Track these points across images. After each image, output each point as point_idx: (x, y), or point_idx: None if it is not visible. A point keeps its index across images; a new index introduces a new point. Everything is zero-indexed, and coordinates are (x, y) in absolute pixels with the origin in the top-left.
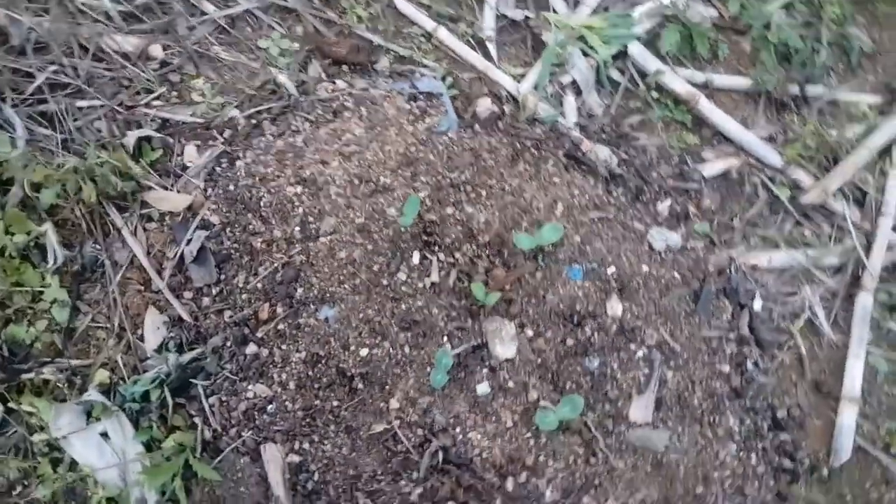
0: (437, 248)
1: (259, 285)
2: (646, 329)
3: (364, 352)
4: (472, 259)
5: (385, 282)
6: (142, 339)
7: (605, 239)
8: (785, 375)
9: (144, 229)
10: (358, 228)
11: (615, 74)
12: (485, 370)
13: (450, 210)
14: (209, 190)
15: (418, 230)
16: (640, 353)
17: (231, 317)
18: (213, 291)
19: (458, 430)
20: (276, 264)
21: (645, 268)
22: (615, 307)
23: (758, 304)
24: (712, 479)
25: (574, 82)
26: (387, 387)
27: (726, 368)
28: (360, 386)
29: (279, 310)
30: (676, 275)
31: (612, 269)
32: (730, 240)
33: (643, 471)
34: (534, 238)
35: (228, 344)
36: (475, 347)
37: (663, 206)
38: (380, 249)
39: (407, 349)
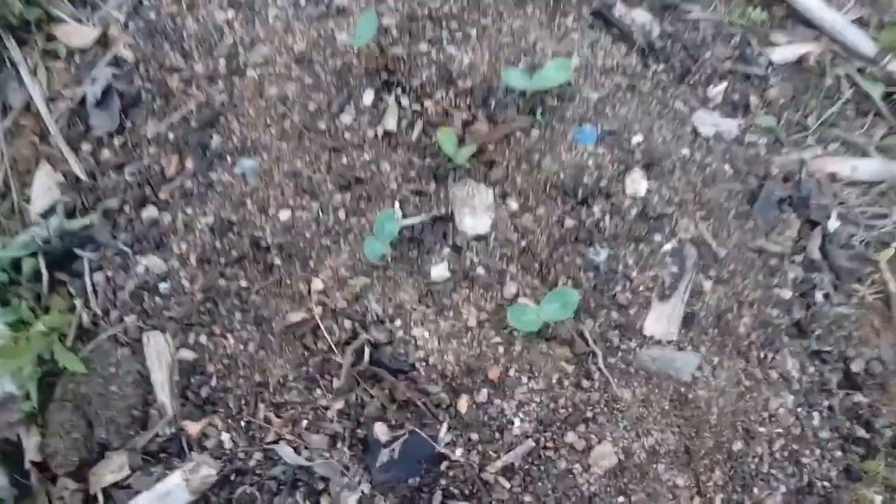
0: (399, 89)
1: (169, 134)
2: (678, 219)
3: (285, 215)
4: (447, 109)
5: (323, 126)
6: (29, 200)
7: (633, 108)
8: (865, 319)
9: (47, 68)
10: (296, 58)
11: None
12: (445, 249)
13: (424, 47)
14: (130, 23)
15: (377, 65)
16: (666, 248)
17: (132, 173)
18: (116, 143)
19: (398, 323)
20: (191, 106)
21: (685, 151)
22: (637, 184)
23: (834, 223)
24: (756, 434)
25: None
26: (311, 263)
27: (787, 294)
28: (278, 261)
29: (189, 164)
30: (727, 167)
31: (638, 139)
32: (801, 141)
33: (658, 406)
34: (532, 79)
35: (125, 207)
36: (436, 219)
37: (716, 91)
38: (321, 85)
39: (342, 214)
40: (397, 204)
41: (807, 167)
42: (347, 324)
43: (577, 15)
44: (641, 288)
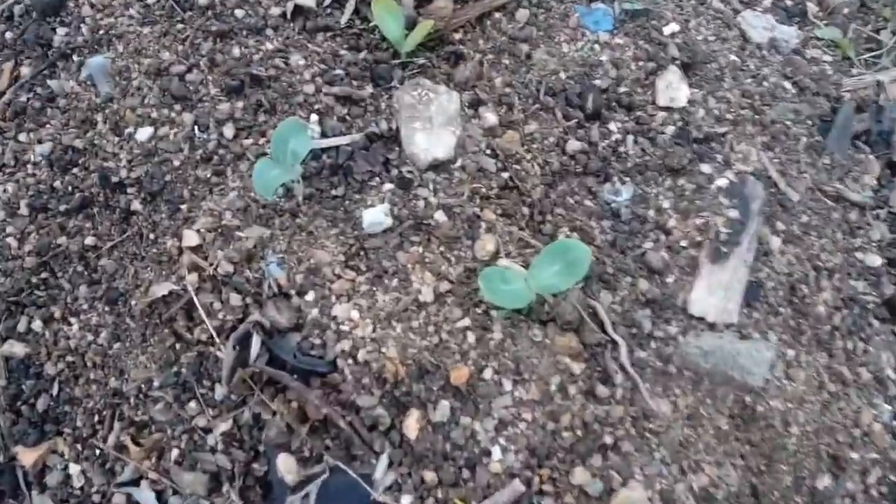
0: None
1: (7, 33)
2: (734, 143)
3: (146, 134)
4: None
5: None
6: None
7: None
8: None
9: None
10: None
11: None
12: (386, 184)
13: None
14: None
15: None
16: (720, 183)
17: None
18: None
19: (310, 297)
20: None
21: (733, 57)
22: (675, 90)
23: None
24: (846, 462)
25: None
26: (183, 207)
27: (874, 261)
28: (136, 205)
29: (25, 69)
30: (788, 84)
31: (671, 28)
32: (873, 61)
33: (711, 425)
34: None
35: None
36: (372, 138)
37: None
38: None
39: (229, 131)
40: (314, 116)
41: (885, 92)
42: (235, 298)
43: None
44: (684, 243)
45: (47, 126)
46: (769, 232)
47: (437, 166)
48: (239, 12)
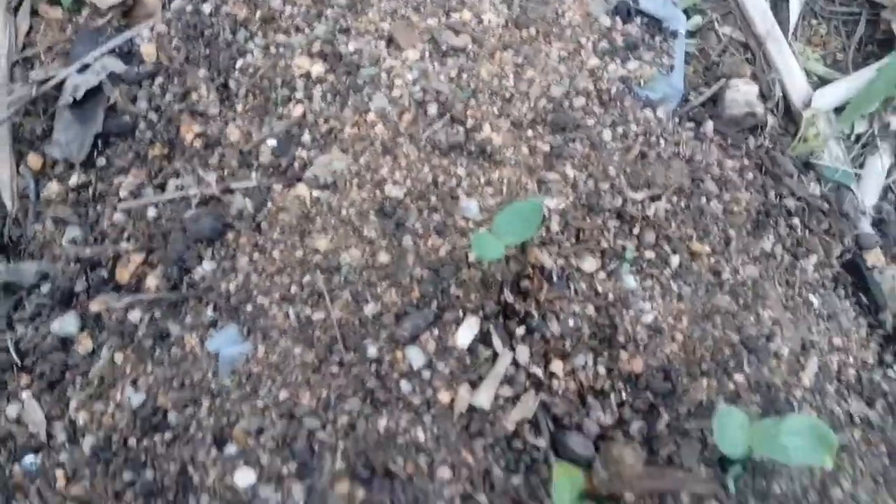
0: (521, 328)
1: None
2: None
3: (245, 479)
4: (586, 394)
5: (373, 352)
6: None
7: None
8: None
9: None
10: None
11: None
12: None
13: (590, 264)
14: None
15: (504, 276)
16: None
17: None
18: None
19: None
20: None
21: None
22: None
23: None
24: None
25: None
26: None
27: None
28: None
29: (152, 279)
30: None
31: None
32: None
33: None
34: (750, 439)
35: None
36: None
37: None
38: (401, 275)
39: None
40: None
41: None
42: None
43: (824, 257)
44: None
45: (148, 369)
46: None
47: None
48: (405, 384)
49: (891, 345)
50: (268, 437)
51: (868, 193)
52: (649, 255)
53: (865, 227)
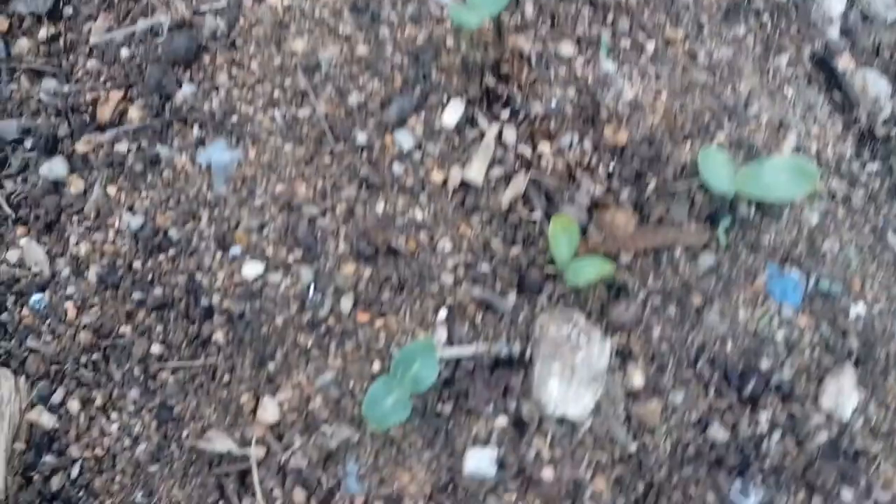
0: (507, 111)
1: (122, 50)
2: (882, 462)
3: (253, 270)
4: (574, 168)
5: (361, 137)
6: None
7: (847, 242)
8: None
9: None
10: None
11: None
12: (500, 418)
13: (567, 49)
14: None
15: (484, 59)
16: None
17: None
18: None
19: None
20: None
21: None
22: (843, 396)
23: None
24: None
25: None
26: (270, 365)
27: None
28: (220, 338)
29: (134, 112)
30: None
31: (858, 310)
32: None
33: None
34: (740, 175)
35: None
36: (500, 361)
37: None
38: (381, 62)
39: (346, 302)
40: (443, 311)
41: None
42: (299, 494)
43: (796, 56)
44: None
45: (143, 194)
46: None
47: (565, 422)
48: (397, 167)
49: (867, 142)
50: (270, 230)
51: (834, 2)
52: (625, 42)
53: (834, 33)
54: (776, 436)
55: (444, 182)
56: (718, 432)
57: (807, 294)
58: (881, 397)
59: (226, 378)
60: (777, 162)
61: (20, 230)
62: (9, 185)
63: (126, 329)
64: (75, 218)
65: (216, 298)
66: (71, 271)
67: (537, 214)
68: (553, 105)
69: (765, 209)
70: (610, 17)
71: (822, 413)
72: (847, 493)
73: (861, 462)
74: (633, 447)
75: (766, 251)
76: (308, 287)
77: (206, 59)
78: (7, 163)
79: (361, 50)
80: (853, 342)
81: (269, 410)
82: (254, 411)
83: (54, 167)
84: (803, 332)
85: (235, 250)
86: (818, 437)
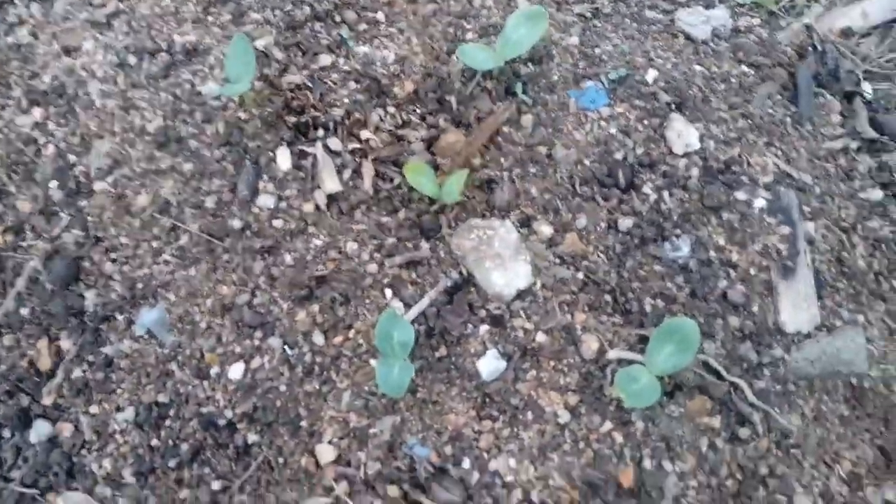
0: (320, 130)
1: (21, 310)
2: (747, 158)
3: (238, 370)
4: (396, 132)
5: (237, 223)
6: None
7: (617, 37)
8: None
9: None
10: (156, 141)
11: None
12: (482, 328)
13: (326, 59)
14: None
15: (275, 108)
16: (759, 204)
17: None
18: None
19: (466, 465)
20: (33, 264)
21: (698, 67)
22: (685, 134)
23: (868, 87)
24: None
25: None
26: (303, 424)
27: (875, 194)
28: (254, 437)
29: (65, 343)
30: (746, 69)
31: (652, 74)
32: (792, 5)
33: (835, 416)
34: (497, 49)
35: (2, 433)
36: (451, 290)
37: None
38: (209, 167)
39: (318, 338)
40: (388, 292)
41: (816, 33)
42: (392, 490)
43: None
44: (753, 271)
45: (119, 392)
46: (804, 219)
47: (522, 295)
48: (277, 222)
49: None
50: (226, 335)
51: None
52: (362, 26)
53: None
54: (665, 195)
55: (317, 207)
56: (626, 222)
57: (608, 90)
58: (712, 118)
59: (280, 459)
60: (512, 21)
61: None
62: None
63: (185, 493)
64: (86, 456)
65: (229, 413)
66: (112, 489)
67: (398, 179)
68: (348, 101)
69: (534, 57)
70: (338, 17)
71: (681, 157)
72: (741, 194)
73: (734, 167)
74: (581, 276)
75: (560, 85)
76: (283, 350)
77: (87, 265)
78: None
79: (187, 167)
80: (664, 97)
81: (327, 453)
82: (317, 465)
83: (40, 431)
84: (626, 115)
85: (214, 370)
86: (692, 173)
